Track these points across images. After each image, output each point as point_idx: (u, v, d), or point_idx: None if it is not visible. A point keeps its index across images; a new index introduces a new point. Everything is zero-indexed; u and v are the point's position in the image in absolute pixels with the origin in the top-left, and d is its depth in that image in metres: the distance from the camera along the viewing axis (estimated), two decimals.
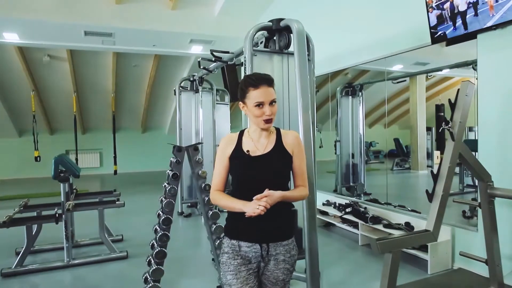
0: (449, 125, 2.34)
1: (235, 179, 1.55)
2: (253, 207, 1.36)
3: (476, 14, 2.93)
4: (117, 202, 3.86)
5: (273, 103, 1.48)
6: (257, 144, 1.52)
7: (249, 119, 1.55)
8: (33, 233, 3.43)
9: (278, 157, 1.51)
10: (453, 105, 2.40)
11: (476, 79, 3.10)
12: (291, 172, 1.58)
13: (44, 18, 5.68)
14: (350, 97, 5.61)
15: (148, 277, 2.53)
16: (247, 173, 1.51)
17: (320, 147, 6.73)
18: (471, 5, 2.95)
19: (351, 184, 5.68)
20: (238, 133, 1.59)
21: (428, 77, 4.91)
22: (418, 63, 4.41)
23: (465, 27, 3.03)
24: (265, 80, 1.48)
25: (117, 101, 10.09)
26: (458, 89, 2.41)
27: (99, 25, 6.07)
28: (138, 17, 6.18)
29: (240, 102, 1.53)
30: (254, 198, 1.39)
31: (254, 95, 1.46)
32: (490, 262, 2.58)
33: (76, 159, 9.38)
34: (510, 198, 2.48)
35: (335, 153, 5.79)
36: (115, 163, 9.85)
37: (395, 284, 2.13)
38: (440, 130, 2.59)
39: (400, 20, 3.89)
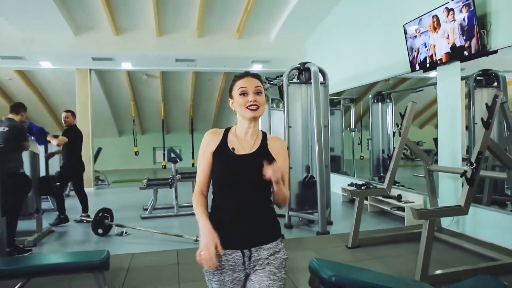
0: (399, 127, 3.99)
1: (217, 177, 1.46)
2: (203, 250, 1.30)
3: (434, 54, 4.49)
4: None
5: (259, 93, 1.42)
6: (243, 142, 1.46)
7: (237, 115, 1.48)
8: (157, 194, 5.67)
9: (263, 159, 1.40)
10: (402, 116, 4.03)
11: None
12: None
13: (149, 52, 8.02)
14: (380, 103, 6.94)
15: None
16: (230, 172, 1.43)
17: (358, 144, 8.24)
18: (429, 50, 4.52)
19: (381, 174, 6.87)
20: (224, 129, 1.52)
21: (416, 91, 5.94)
22: None
23: (429, 61, 4.61)
24: (251, 73, 1.47)
25: (194, 108, 12.35)
26: (407, 106, 4.04)
27: (185, 53, 8.22)
28: (213, 46, 8.20)
29: (229, 99, 1.49)
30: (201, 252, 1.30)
31: (238, 84, 1.44)
32: None
33: (164, 154, 11.99)
34: (441, 171, 4.05)
35: (367, 149, 7.17)
36: (193, 157, 12.26)
37: (361, 216, 3.85)
38: (394, 131, 4.18)
39: (396, 54, 5.46)
